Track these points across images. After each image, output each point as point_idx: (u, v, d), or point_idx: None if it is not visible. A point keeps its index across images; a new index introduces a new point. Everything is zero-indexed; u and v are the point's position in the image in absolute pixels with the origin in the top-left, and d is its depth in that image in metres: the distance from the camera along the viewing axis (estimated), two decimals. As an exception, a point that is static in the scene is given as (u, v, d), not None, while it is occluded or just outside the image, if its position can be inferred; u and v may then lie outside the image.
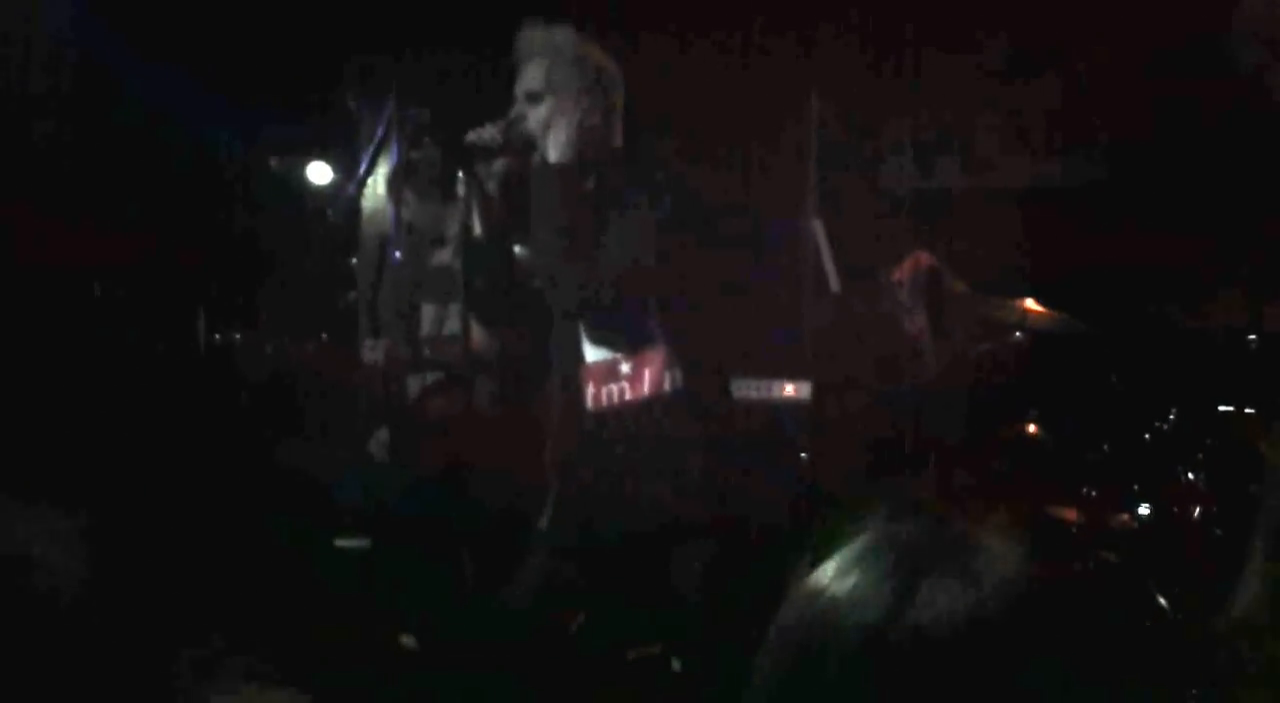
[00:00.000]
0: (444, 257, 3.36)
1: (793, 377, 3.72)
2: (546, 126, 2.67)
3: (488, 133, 2.67)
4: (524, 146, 2.69)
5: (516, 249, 2.83)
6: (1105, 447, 2.90)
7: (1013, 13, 4.32)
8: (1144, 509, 2.75)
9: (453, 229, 3.24)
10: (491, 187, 2.72)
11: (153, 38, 3.86)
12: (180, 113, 3.82)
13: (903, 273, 3.59)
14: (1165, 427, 2.78)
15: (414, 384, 3.33)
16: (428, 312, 3.38)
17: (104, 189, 3.81)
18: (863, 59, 4.56)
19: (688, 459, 2.64)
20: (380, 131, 3.46)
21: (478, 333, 3.17)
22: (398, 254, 3.38)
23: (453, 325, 3.27)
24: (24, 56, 3.77)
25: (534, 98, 2.69)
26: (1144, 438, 2.81)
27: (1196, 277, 3.27)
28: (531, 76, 2.71)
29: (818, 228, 4.04)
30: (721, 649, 2.63)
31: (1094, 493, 2.87)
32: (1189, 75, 3.85)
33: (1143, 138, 4.04)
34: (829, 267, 4.12)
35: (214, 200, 3.95)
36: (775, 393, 3.68)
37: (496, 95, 2.82)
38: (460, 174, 2.64)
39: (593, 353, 2.72)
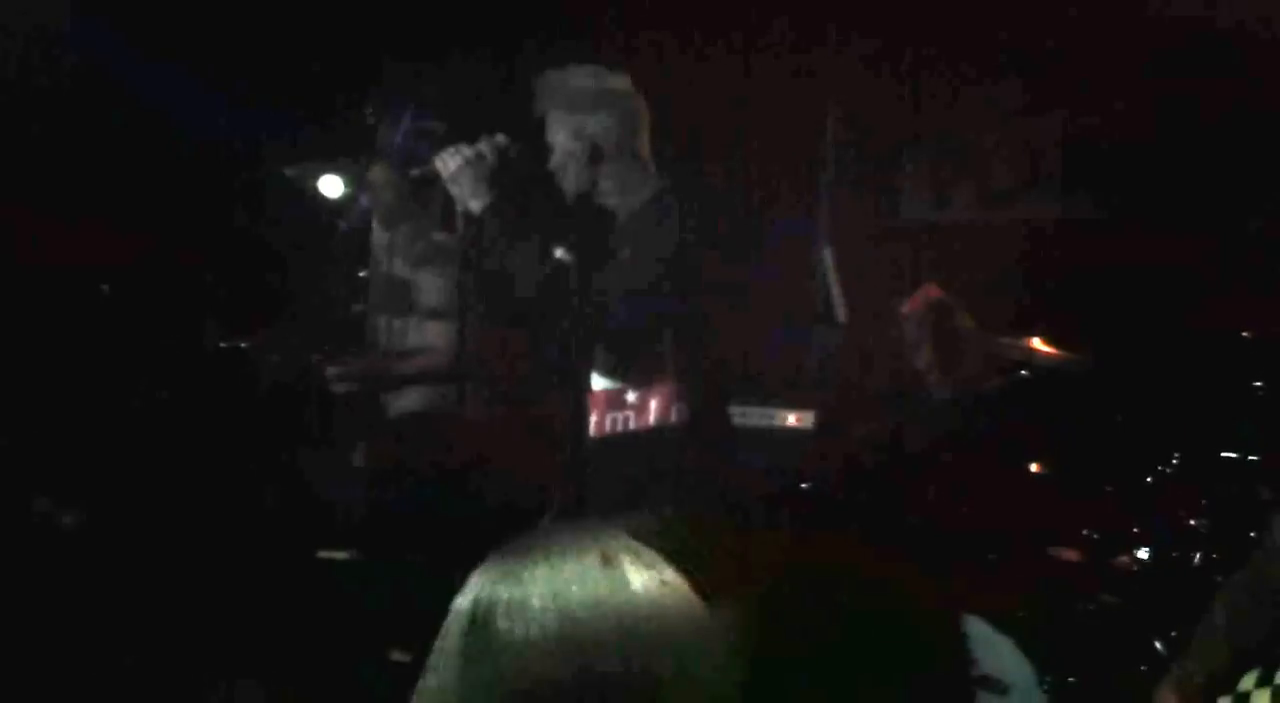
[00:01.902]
0: (403, 269, 3.35)
1: (796, 406, 3.72)
2: (573, 164, 2.71)
3: (515, 151, 2.69)
4: (564, 187, 2.73)
5: (525, 269, 2.83)
6: (1108, 488, 2.89)
7: (1031, 46, 4.34)
8: (1143, 553, 2.74)
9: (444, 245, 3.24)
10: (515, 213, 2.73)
11: (170, 43, 3.88)
12: (197, 119, 3.84)
13: (911, 306, 3.59)
14: (1169, 470, 2.77)
15: (403, 396, 3.31)
16: (400, 324, 3.36)
17: (115, 193, 3.83)
18: (879, 90, 4.59)
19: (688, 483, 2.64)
20: (397, 144, 3.47)
21: (461, 345, 3.18)
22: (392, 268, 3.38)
23: (416, 338, 3.25)
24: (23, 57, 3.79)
25: (559, 141, 2.73)
26: (1147, 481, 2.80)
27: (1208, 319, 3.27)
28: (557, 125, 2.74)
29: (828, 257, 4.05)
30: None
31: (1095, 534, 2.86)
32: (1210, 112, 3.86)
33: (1161, 175, 4.04)
34: (837, 296, 4.12)
35: (226, 208, 3.97)
36: (778, 422, 3.69)
37: (514, 108, 2.85)
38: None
39: (601, 380, 2.73)
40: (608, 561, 1.08)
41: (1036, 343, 3.16)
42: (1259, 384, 2.74)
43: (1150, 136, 4.01)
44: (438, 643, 1.11)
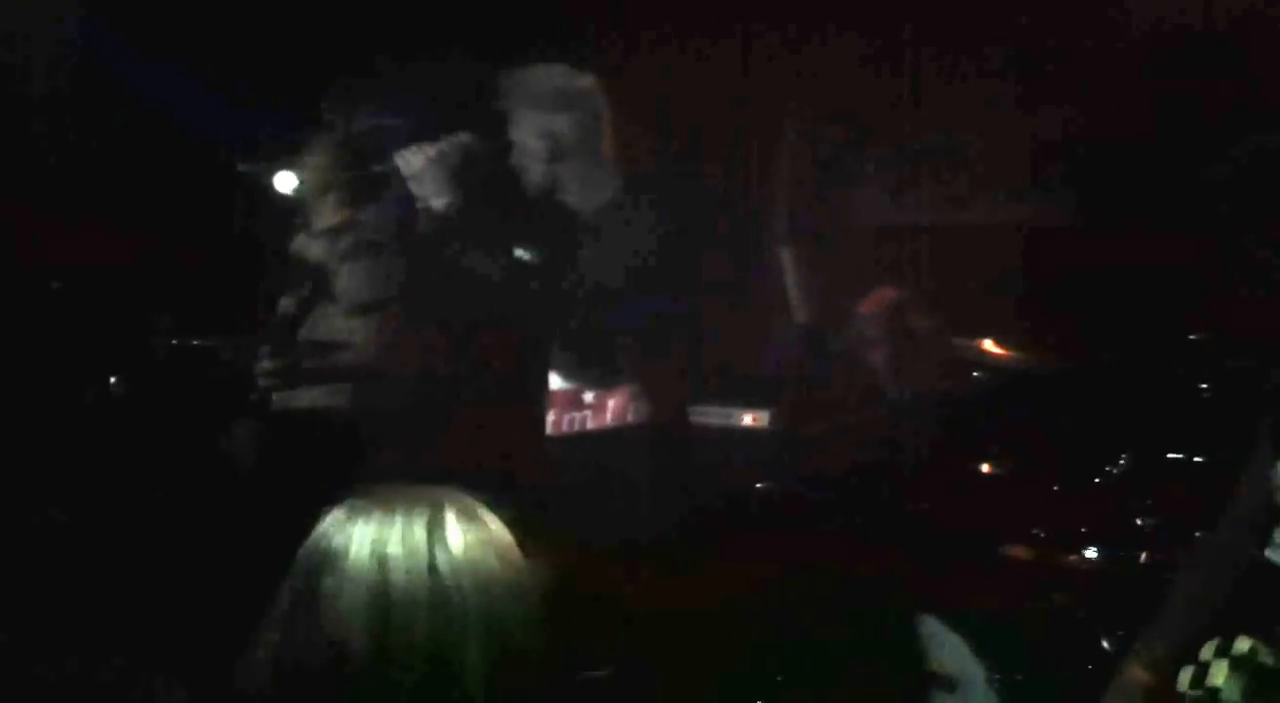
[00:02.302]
0: (316, 249, 3.26)
1: (755, 405, 3.74)
2: (534, 162, 2.72)
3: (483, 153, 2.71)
4: (529, 187, 2.74)
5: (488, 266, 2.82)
6: (1056, 488, 2.93)
7: (987, 51, 4.37)
8: (1091, 552, 2.79)
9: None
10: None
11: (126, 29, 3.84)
12: (160, 114, 3.80)
13: (869, 306, 3.63)
14: (1117, 471, 2.82)
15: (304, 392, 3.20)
16: (321, 316, 3.26)
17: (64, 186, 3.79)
18: (836, 92, 4.61)
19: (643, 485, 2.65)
20: (355, 140, 3.45)
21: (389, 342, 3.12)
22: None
23: (336, 331, 3.15)
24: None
25: (526, 143, 2.73)
26: (1095, 481, 2.85)
27: (1157, 323, 3.32)
28: (520, 122, 2.74)
29: (786, 257, 4.07)
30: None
31: (1045, 533, 2.90)
32: (1169, 124, 3.91)
33: (1119, 178, 4.09)
34: (796, 297, 4.15)
35: (182, 204, 3.93)
36: (736, 421, 3.70)
37: (478, 106, 2.85)
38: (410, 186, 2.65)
39: (558, 380, 2.74)
40: (435, 516, 1.13)
41: (989, 344, 3.20)
42: (1205, 386, 2.79)
43: (1112, 140, 4.06)
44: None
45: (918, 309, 3.58)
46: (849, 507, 3.30)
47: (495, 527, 1.17)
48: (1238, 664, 1.87)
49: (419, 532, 1.11)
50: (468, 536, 1.13)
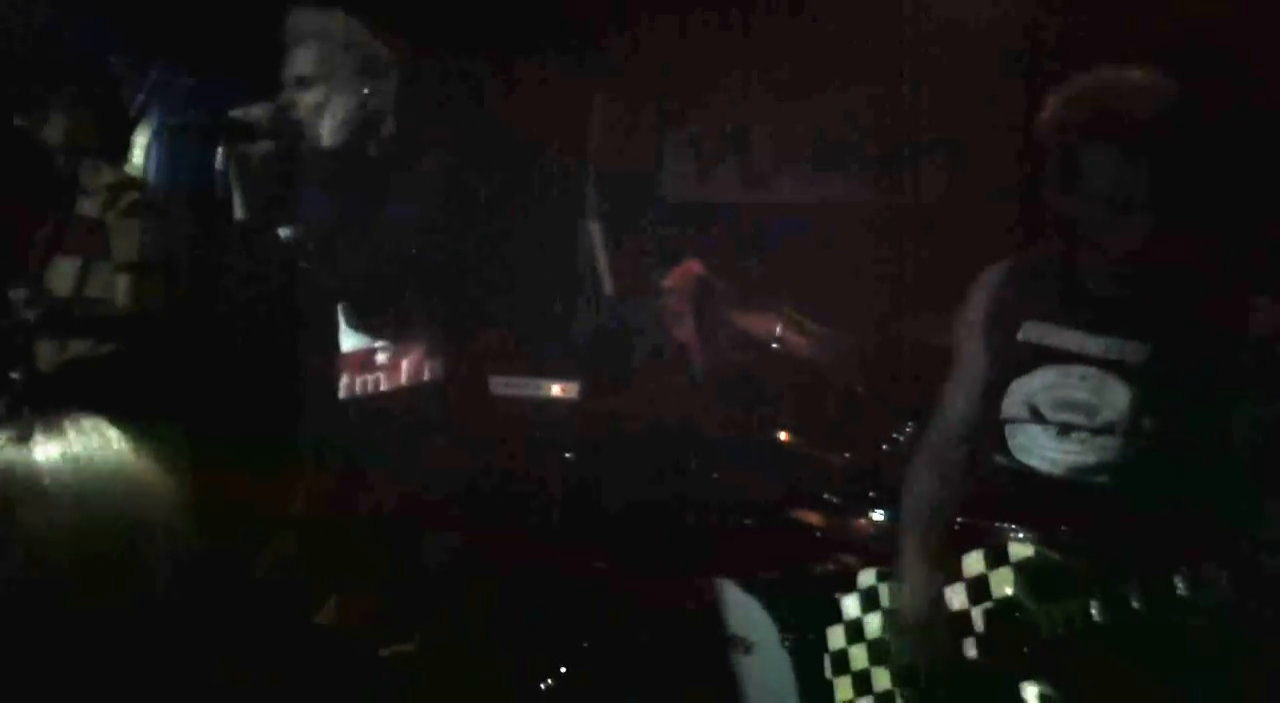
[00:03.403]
0: (106, 215, 3.12)
1: (559, 376, 3.76)
2: (317, 112, 2.64)
3: (255, 112, 2.60)
4: (292, 130, 2.64)
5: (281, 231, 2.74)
6: (848, 454, 3.05)
7: (792, 30, 4.48)
8: (878, 516, 2.91)
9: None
10: (254, 166, 2.63)
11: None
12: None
13: (673, 279, 3.69)
14: (902, 438, 2.95)
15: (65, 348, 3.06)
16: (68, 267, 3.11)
17: None
18: (646, 67, 4.65)
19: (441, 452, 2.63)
20: (142, 98, 3.30)
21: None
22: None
23: (103, 288, 3.02)
24: None
25: (305, 83, 2.65)
26: (882, 448, 2.98)
27: (943, 296, 3.48)
28: (302, 61, 2.66)
29: (594, 230, 4.10)
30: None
31: (836, 499, 3.01)
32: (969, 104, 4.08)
33: (908, 167, 4.26)
34: (603, 269, 4.19)
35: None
36: (543, 392, 3.72)
37: (267, 67, 2.75)
38: (220, 150, 2.54)
39: (350, 341, 2.69)
40: (40, 435, 1.23)
41: (790, 319, 3.29)
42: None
43: (907, 127, 4.21)
44: None
45: (721, 284, 3.67)
46: (651, 474, 3.36)
47: (118, 443, 1.26)
48: (1023, 570, 1.90)
49: (34, 452, 1.22)
50: (67, 452, 1.22)
